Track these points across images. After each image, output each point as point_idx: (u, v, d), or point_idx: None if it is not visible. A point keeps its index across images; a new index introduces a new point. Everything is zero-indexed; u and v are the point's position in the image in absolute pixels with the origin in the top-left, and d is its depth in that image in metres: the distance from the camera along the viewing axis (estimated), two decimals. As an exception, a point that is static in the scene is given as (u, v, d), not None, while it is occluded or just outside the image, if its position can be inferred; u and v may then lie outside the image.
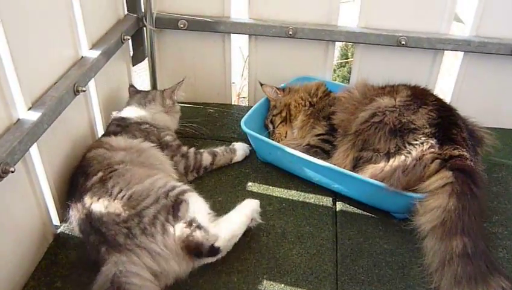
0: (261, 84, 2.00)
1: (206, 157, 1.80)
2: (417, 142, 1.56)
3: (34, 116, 1.35)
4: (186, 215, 1.40)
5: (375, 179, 1.55)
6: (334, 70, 5.09)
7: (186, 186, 1.48)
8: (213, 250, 1.39)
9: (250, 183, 1.79)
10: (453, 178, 1.46)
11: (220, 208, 1.60)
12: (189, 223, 1.38)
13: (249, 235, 1.55)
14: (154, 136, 1.74)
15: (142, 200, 1.39)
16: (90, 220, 1.39)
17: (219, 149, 1.86)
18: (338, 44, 5.00)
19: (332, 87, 2.04)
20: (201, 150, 1.82)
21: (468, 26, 2.07)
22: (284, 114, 1.95)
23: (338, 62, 5.24)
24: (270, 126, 1.99)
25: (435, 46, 2.04)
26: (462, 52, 2.10)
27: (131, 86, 2.02)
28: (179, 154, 1.75)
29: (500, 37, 2.03)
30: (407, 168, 1.53)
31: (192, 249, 1.36)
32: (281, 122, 1.96)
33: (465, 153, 1.53)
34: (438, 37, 2.03)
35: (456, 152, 1.53)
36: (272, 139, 1.89)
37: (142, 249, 1.32)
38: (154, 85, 2.26)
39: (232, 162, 1.88)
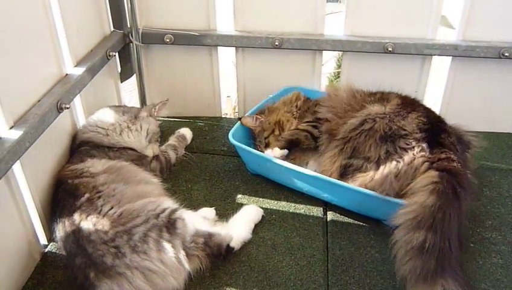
0: (240, 119, 1.93)
1: (172, 155, 1.88)
2: (408, 146, 1.55)
3: (15, 134, 1.33)
4: (187, 229, 1.40)
5: (366, 188, 1.54)
6: (332, 80, 5.06)
7: (175, 206, 1.48)
8: (228, 250, 1.47)
9: (240, 196, 1.77)
10: (438, 178, 1.44)
11: (209, 221, 1.58)
12: (198, 234, 1.40)
13: (239, 248, 1.53)
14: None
15: (132, 219, 1.38)
16: (78, 238, 1.37)
17: (173, 141, 1.94)
18: (334, 54, 5.00)
19: (316, 95, 2.03)
20: (163, 148, 1.88)
21: (455, 31, 2.07)
22: (277, 132, 1.90)
23: (335, 72, 5.22)
24: (265, 147, 1.92)
25: (422, 51, 2.03)
26: (450, 57, 2.09)
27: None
28: (154, 160, 1.79)
29: (487, 40, 2.02)
30: (399, 173, 1.52)
31: (215, 251, 1.43)
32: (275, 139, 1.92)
33: (452, 156, 1.52)
34: (424, 42, 2.02)
35: (443, 155, 1.52)
36: None
37: (133, 269, 1.30)
38: (143, 101, 2.25)
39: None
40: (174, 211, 1.44)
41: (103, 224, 1.37)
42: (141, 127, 1.81)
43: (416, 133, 1.57)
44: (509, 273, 1.46)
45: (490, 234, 1.60)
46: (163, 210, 1.43)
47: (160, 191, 1.64)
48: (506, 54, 1.99)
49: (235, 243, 1.50)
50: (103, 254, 1.32)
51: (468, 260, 1.50)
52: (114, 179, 1.54)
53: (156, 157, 1.81)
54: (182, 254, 1.36)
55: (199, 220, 1.47)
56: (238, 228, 1.55)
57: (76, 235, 1.38)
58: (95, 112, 1.83)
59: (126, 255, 1.31)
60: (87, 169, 1.58)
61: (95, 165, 1.60)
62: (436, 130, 1.60)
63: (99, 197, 1.45)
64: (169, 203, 1.50)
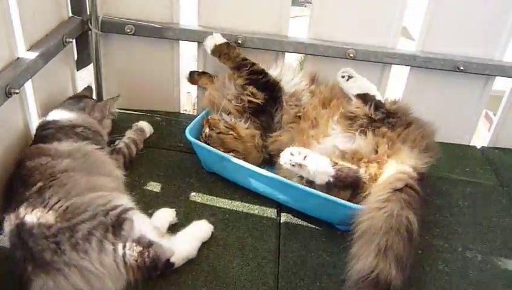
0: None
1: (133, 148, 1.85)
2: None
3: (-44, 118, 1.26)
4: (132, 233, 1.34)
5: None
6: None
7: (129, 205, 1.43)
8: (168, 265, 1.38)
9: (193, 193, 1.74)
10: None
11: (161, 218, 1.54)
12: (139, 241, 1.33)
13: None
14: (91, 139, 1.68)
15: (78, 214, 1.32)
16: (20, 232, 1.31)
17: (132, 135, 1.90)
18: (297, 58, 5.03)
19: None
20: (126, 141, 1.84)
21: (415, 42, 2.12)
22: None
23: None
24: None
25: (382, 59, 2.07)
26: (409, 67, 2.14)
27: (89, 86, 2.04)
28: (115, 153, 1.75)
29: (444, 53, 2.08)
30: None
31: (148, 264, 1.32)
32: None
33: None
34: (385, 51, 2.06)
35: None
36: None
37: (71, 267, 1.25)
38: (99, 91, 2.17)
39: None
40: (125, 210, 1.38)
41: (47, 218, 1.31)
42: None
43: None
44: (453, 280, 1.50)
45: (437, 241, 1.65)
46: (115, 207, 1.37)
47: (117, 185, 1.58)
48: (462, 68, 2.06)
49: (177, 259, 1.41)
50: (43, 249, 1.26)
51: (415, 266, 1.52)
52: (76, 166, 1.48)
53: (117, 150, 1.77)
54: (121, 259, 1.30)
55: (148, 227, 1.39)
56: (183, 243, 1.45)
57: (19, 228, 1.32)
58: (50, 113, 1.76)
59: (65, 252, 1.26)
60: (54, 148, 1.54)
61: (62, 145, 1.57)
62: None
63: (50, 187, 1.38)
64: (124, 200, 1.44)
